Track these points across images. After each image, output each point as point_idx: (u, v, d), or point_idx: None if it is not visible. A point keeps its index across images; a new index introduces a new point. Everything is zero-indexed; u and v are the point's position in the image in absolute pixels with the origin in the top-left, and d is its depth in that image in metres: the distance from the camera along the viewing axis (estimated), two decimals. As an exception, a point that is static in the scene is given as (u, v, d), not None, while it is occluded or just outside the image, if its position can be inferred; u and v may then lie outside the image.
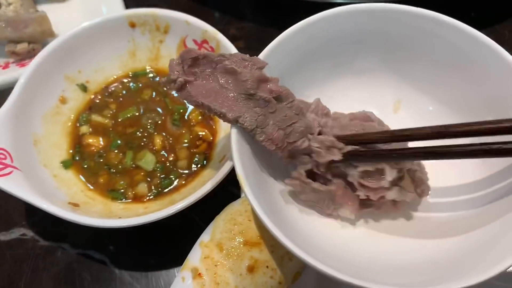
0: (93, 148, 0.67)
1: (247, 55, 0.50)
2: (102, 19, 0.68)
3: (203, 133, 0.67)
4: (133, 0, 0.87)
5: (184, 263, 0.53)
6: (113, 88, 0.72)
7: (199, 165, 0.65)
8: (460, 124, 0.43)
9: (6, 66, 0.74)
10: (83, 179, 0.64)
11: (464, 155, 0.44)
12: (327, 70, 0.60)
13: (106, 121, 0.69)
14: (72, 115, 0.69)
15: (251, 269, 0.49)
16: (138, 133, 0.67)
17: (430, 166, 0.54)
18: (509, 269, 0.40)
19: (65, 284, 0.61)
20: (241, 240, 0.51)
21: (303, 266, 0.51)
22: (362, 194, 0.51)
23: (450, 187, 0.54)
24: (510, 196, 0.47)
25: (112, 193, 0.63)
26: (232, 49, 0.64)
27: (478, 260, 0.43)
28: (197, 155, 0.65)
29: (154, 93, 0.71)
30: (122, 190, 0.63)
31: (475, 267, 0.41)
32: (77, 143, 0.67)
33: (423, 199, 0.54)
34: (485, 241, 0.45)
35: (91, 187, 0.63)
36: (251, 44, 0.82)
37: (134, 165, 0.65)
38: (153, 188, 0.63)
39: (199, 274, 0.50)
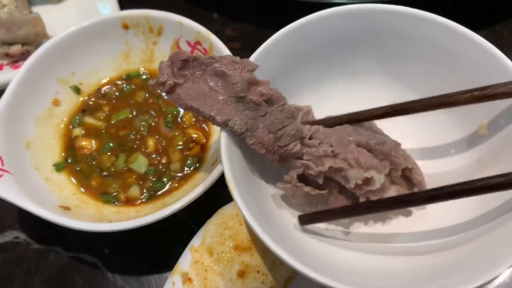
0: (86, 150, 0.66)
1: (238, 57, 0.49)
2: (95, 20, 0.68)
3: (196, 136, 0.66)
4: (129, 2, 0.87)
5: (174, 268, 0.53)
6: (106, 90, 0.71)
7: (192, 168, 0.64)
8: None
9: (0, 68, 0.74)
10: (75, 182, 0.63)
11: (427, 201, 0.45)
12: (321, 72, 0.59)
13: (99, 123, 0.68)
14: (65, 118, 0.69)
15: (241, 274, 0.49)
16: (131, 135, 0.67)
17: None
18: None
19: (57, 287, 0.60)
20: (232, 244, 0.50)
21: (295, 271, 0.51)
22: (361, 196, 0.50)
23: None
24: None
25: (104, 196, 0.62)
26: (225, 50, 0.63)
27: (473, 265, 0.43)
28: (190, 158, 0.65)
29: (147, 95, 0.70)
30: (114, 193, 0.62)
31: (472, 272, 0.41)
32: (70, 146, 0.66)
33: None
34: (478, 247, 0.44)
35: (83, 190, 0.63)
36: (246, 44, 0.81)
37: (126, 168, 0.64)
38: (145, 191, 0.62)
39: (189, 279, 0.50)
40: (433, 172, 0.55)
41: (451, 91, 0.55)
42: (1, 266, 0.62)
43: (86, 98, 0.70)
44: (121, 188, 0.63)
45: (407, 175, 0.53)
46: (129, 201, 0.62)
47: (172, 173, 0.64)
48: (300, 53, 0.56)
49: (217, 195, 0.58)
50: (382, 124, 0.56)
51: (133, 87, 0.71)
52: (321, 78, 0.60)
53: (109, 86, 0.71)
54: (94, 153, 0.66)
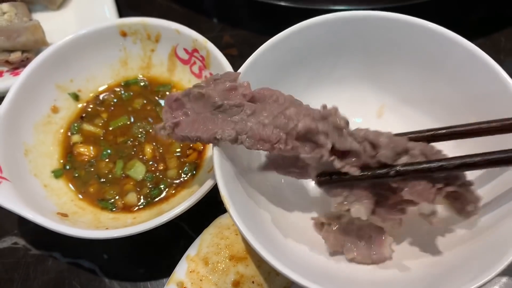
0: (84, 157, 0.67)
1: (218, 74, 0.50)
2: (93, 28, 0.68)
3: (194, 142, 0.67)
4: (127, 8, 0.88)
5: (170, 276, 0.53)
6: (105, 97, 0.72)
7: (189, 174, 0.64)
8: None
9: (0, 75, 0.75)
10: (73, 189, 0.64)
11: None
12: (308, 79, 0.60)
13: (97, 130, 0.69)
14: (64, 124, 0.69)
15: (236, 284, 0.49)
16: (129, 142, 0.67)
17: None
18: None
19: (55, 293, 0.61)
20: (227, 254, 0.51)
21: (291, 282, 0.51)
22: (407, 195, 0.45)
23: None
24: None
25: (102, 203, 0.63)
26: (221, 57, 0.64)
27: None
28: (187, 164, 0.65)
29: (145, 101, 0.71)
30: (112, 200, 0.63)
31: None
32: (69, 152, 0.67)
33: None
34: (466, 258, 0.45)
35: (81, 197, 0.63)
36: (244, 51, 0.82)
37: (124, 175, 0.65)
38: (142, 198, 0.63)
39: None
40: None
41: (439, 92, 0.56)
42: (0, 271, 0.63)
43: (85, 104, 0.71)
44: (119, 194, 0.63)
45: (463, 191, 0.47)
46: (127, 208, 0.62)
47: (169, 179, 0.64)
48: (287, 63, 0.57)
49: (215, 201, 0.58)
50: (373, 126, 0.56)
51: (131, 93, 0.72)
52: (307, 86, 0.60)
53: (107, 93, 0.72)
54: (92, 160, 0.66)
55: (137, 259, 0.63)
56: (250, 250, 0.50)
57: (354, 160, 0.45)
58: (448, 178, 0.44)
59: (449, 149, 0.47)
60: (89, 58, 0.70)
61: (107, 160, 0.66)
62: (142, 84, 0.72)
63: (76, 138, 0.68)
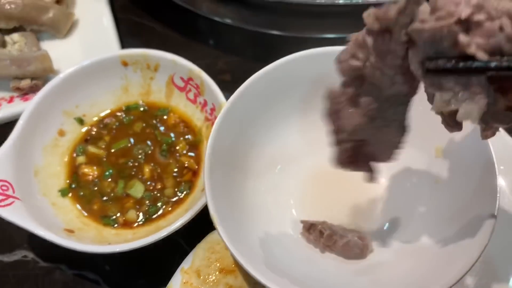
0: (89, 177, 0.73)
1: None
2: (97, 59, 0.75)
3: (188, 163, 0.73)
4: (128, 34, 0.94)
5: (166, 287, 0.59)
6: (107, 121, 0.78)
7: (184, 193, 0.70)
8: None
9: (11, 100, 0.81)
10: (79, 207, 0.70)
11: None
12: (291, 108, 0.65)
13: (101, 151, 0.75)
14: (70, 147, 0.75)
15: (225, 294, 0.55)
16: (129, 163, 0.73)
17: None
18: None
19: (62, 302, 0.67)
20: (217, 267, 0.57)
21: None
22: None
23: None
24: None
25: (105, 219, 0.69)
26: (214, 86, 0.70)
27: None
28: (182, 183, 0.71)
29: (144, 125, 0.77)
30: (114, 217, 0.69)
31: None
32: (74, 173, 0.73)
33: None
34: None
35: (86, 214, 0.69)
36: (237, 75, 0.88)
37: (125, 193, 0.71)
38: (141, 215, 0.69)
39: (179, 297, 0.56)
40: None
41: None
42: (11, 283, 0.69)
43: (89, 128, 0.77)
44: (120, 211, 0.69)
45: None
46: (127, 224, 0.68)
47: (166, 198, 0.70)
48: (271, 94, 0.63)
49: (207, 218, 0.64)
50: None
51: (132, 117, 0.78)
52: (293, 112, 0.66)
53: (110, 117, 0.78)
54: (96, 179, 0.72)
55: (136, 271, 0.68)
56: (238, 264, 0.56)
57: (483, 40, 0.32)
58: None
59: None
60: (93, 85, 0.76)
61: (109, 179, 0.72)
62: (142, 109, 0.79)
63: (81, 159, 0.74)
